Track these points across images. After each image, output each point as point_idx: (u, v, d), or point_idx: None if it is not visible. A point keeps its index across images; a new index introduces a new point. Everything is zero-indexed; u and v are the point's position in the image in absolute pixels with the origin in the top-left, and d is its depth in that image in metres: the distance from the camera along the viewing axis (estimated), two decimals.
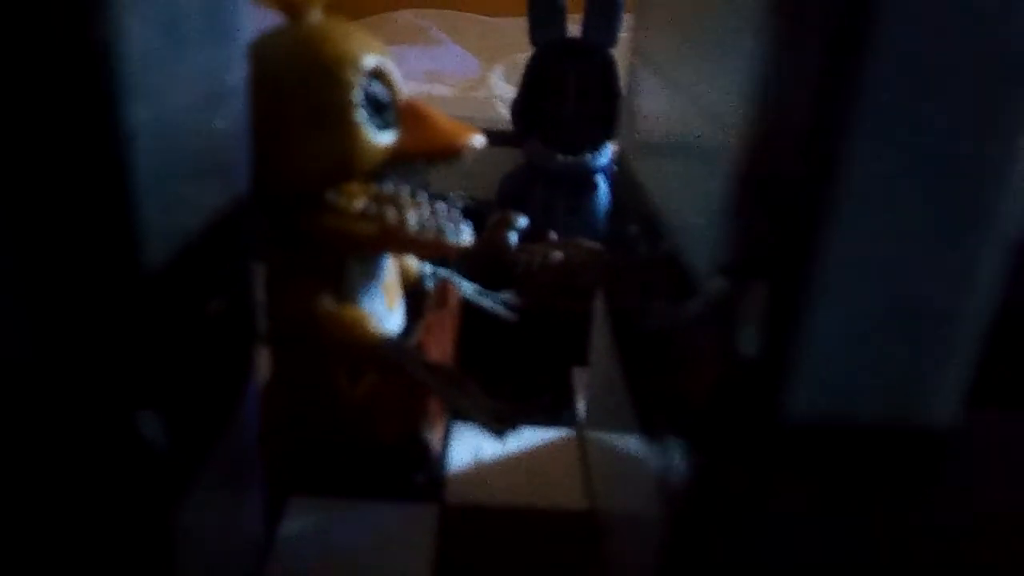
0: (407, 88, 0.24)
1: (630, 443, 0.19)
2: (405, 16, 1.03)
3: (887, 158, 0.10)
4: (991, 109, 0.10)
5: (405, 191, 0.24)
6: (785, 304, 0.11)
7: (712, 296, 0.13)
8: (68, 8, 0.10)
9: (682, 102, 0.17)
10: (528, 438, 0.28)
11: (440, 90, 0.74)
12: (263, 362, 0.24)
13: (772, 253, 0.11)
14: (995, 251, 0.10)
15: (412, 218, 0.23)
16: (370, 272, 0.25)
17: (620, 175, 0.25)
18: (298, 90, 0.22)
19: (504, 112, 0.60)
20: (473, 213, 0.35)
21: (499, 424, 0.22)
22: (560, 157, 0.41)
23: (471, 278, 0.33)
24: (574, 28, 0.41)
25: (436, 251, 0.24)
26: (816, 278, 0.10)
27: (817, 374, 0.11)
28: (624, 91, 0.25)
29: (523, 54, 0.45)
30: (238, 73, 0.16)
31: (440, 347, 0.27)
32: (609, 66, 0.41)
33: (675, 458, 0.15)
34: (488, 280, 0.34)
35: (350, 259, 0.24)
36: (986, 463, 0.13)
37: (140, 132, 0.11)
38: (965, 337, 0.11)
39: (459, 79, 0.81)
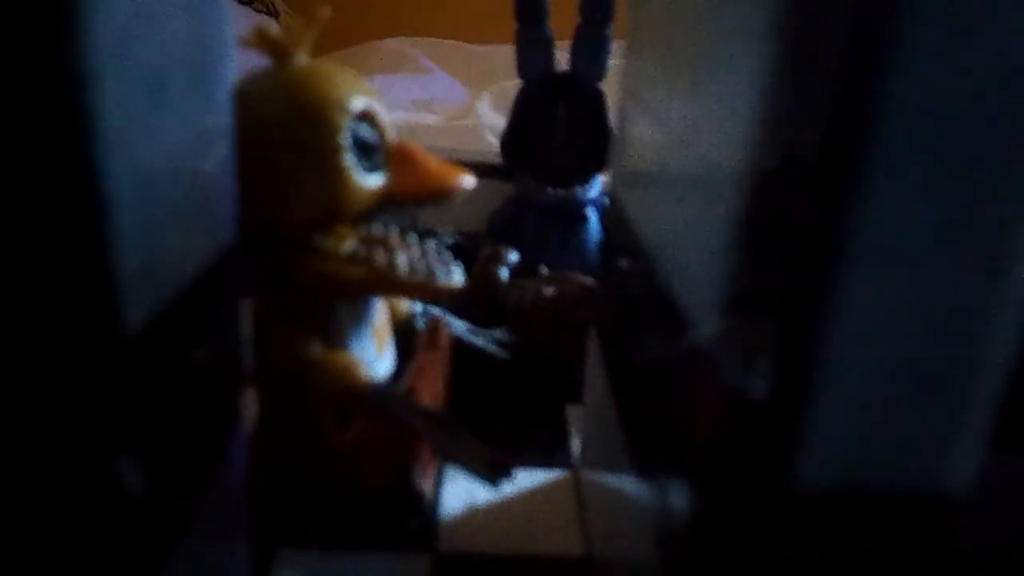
0: (395, 117, 0.24)
1: (626, 485, 0.19)
2: (393, 44, 1.03)
3: (904, 205, 0.09)
4: (1016, 154, 0.09)
5: (394, 232, 0.24)
6: (796, 353, 0.10)
7: (715, 337, 0.12)
8: (44, 64, 0.10)
9: (674, 138, 0.16)
10: (522, 481, 0.27)
11: (428, 119, 0.74)
12: (249, 408, 0.24)
13: (782, 297, 0.10)
14: (1014, 310, 0.10)
15: (402, 260, 0.23)
16: (359, 316, 0.24)
17: (611, 210, 0.24)
18: (285, 134, 0.21)
19: (493, 141, 0.60)
20: (462, 249, 0.35)
21: (492, 473, 0.22)
22: (550, 191, 0.41)
23: (461, 315, 0.33)
24: (562, 57, 0.41)
25: (426, 294, 0.23)
26: (828, 332, 0.10)
27: (828, 437, 0.11)
28: (615, 126, 0.25)
29: (511, 82, 0.45)
30: (223, 118, 0.16)
31: (431, 390, 0.26)
32: (598, 99, 0.41)
33: (672, 501, 0.14)
34: (479, 317, 0.34)
35: (339, 303, 0.23)
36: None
37: (120, 185, 0.11)
38: (982, 400, 0.10)
39: (447, 108, 0.81)
